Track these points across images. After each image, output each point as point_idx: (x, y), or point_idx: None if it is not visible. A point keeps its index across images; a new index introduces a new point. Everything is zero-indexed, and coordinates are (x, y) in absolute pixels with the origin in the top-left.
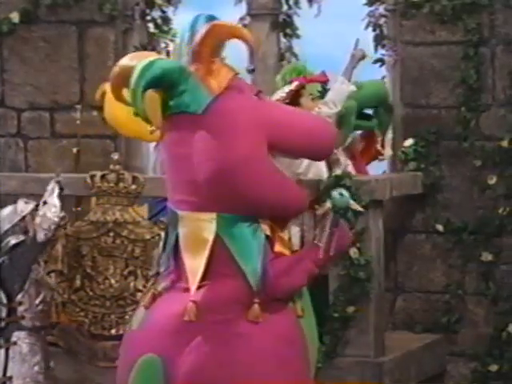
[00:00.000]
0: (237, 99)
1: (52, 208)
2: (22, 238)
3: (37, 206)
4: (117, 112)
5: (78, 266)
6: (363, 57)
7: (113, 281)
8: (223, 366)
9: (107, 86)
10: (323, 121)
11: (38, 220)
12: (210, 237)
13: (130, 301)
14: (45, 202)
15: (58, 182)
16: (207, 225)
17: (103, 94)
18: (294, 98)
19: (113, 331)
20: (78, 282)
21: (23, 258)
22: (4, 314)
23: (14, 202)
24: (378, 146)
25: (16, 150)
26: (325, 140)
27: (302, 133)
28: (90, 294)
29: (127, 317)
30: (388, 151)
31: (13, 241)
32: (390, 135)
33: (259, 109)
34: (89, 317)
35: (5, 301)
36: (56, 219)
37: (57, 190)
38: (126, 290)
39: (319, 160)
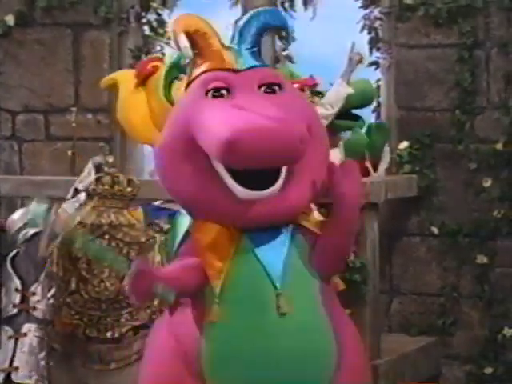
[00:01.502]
0: None
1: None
2: (40, 228)
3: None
4: (131, 115)
5: (72, 269)
6: (361, 60)
7: (108, 284)
8: None
9: (120, 77)
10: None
11: (60, 211)
12: None
13: (125, 304)
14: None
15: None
16: None
17: (114, 85)
18: None
19: (108, 334)
20: (73, 285)
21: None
22: (18, 301)
23: (9, 204)
24: (367, 164)
25: (11, 152)
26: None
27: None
28: (86, 296)
29: (123, 319)
30: (381, 172)
31: (31, 231)
32: (387, 158)
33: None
34: (84, 320)
35: (20, 287)
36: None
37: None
38: (122, 293)
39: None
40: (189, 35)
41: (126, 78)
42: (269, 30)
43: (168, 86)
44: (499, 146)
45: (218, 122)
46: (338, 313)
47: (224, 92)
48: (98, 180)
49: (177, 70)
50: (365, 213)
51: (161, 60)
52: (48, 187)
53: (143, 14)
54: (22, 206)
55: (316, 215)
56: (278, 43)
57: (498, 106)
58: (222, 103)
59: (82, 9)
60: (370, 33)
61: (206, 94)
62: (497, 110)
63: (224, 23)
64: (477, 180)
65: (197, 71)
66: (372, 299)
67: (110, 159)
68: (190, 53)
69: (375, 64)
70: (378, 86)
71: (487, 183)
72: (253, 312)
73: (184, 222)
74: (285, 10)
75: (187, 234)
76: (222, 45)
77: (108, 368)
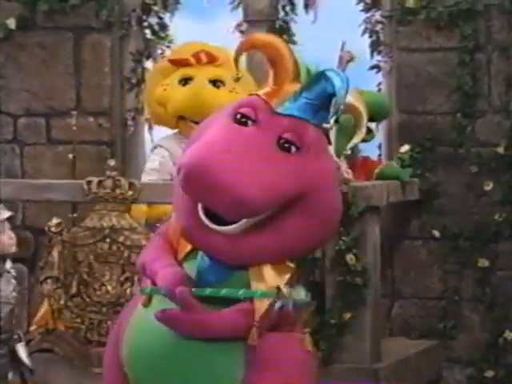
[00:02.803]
0: None
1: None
2: None
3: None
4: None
5: (74, 273)
6: (351, 58)
7: (109, 287)
8: None
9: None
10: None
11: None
12: None
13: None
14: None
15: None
16: None
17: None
18: None
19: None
20: (74, 289)
21: None
22: None
23: (10, 208)
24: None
25: (12, 156)
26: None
27: None
28: (87, 300)
29: None
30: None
31: None
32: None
33: None
34: (85, 323)
35: None
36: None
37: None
38: (123, 297)
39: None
40: (267, 51)
41: None
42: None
43: None
44: (500, 150)
45: (194, 145)
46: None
47: (249, 122)
48: (99, 183)
49: None
50: (366, 216)
51: None
52: (49, 191)
53: (144, 17)
54: (24, 209)
55: (272, 277)
56: None
57: (499, 109)
58: (224, 129)
59: (83, 12)
60: (371, 36)
61: (235, 115)
62: (498, 114)
63: (225, 27)
64: (478, 183)
65: (258, 90)
66: (373, 302)
67: (112, 163)
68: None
69: (376, 67)
70: (380, 90)
71: (488, 186)
72: (167, 305)
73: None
74: (286, 13)
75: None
76: (295, 78)
77: None
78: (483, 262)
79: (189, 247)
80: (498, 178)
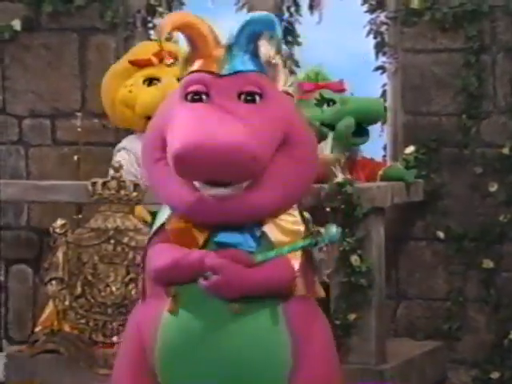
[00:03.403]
0: None
1: None
2: None
3: None
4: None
5: (78, 274)
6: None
7: (114, 288)
8: None
9: None
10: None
11: None
12: None
13: (131, 308)
14: None
15: None
16: None
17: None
18: None
19: (114, 339)
20: (78, 290)
21: None
22: None
23: (15, 209)
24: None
25: (17, 157)
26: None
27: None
28: (91, 301)
29: None
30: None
31: None
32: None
33: None
34: (90, 324)
35: None
36: None
37: None
38: (128, 298)
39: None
40: (184, 30)
41: None
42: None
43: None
44: (505, 151)
45: (176, 133)
46: (303, 324)
47: (204, 97)
48: (104, 185)
49: None
50: (371, 217)
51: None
52: (54, 192)
53: (149, 18)
54: (29, 210)
55: (291, 220)
56: (284, 47)
57: (504, 110)
58: (194, 109)
59: (88, 14)
60: (376, 37)
61: (186, 96)
62: (503, 115)
63: (229, 28)
64: (483, 184)
65: (188, 70)
66: (378, 303)
67: (116, 164)
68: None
69: (381, 69)
70: (385, 91)
71: (493, 188)
72: (203, 306)
73: (165, 213)
74: (290, 14)
75: (162, 225)
76: (217, 43)
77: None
78: (488, 263)
79: (200, 243)
80: (502, 179)
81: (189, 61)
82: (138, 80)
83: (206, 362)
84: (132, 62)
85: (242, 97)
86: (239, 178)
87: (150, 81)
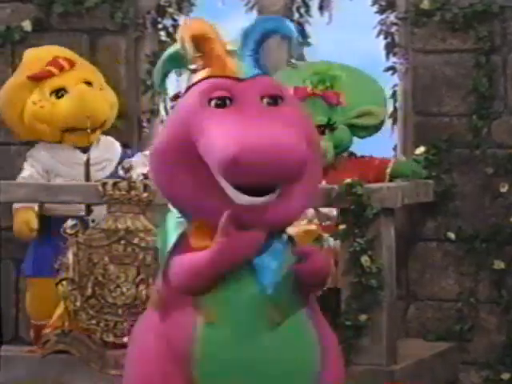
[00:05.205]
0: None
1: None
2: None
3: None
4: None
5: (89, 274)
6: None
7: (124, 289)
8: None
9: None
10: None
11: None
12: None
13: (141, 309)
14: None
15: None
16: None
17: None
18: None
19: (125, 339)
20: (89, 290)
21: None
22: None
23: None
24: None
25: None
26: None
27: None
28: (102, 301)
29: None
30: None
31: None
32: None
33: None
34: (101, 325)
35: None
36: None
37: None
38: (138, 298)
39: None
40: (194, 39)
41: None
42: (273, 37)
43: (164, 77)
44: None
45: (224, 137)
46: (321, 324)
47: (227, 102)
48: (114, 185)
49: (175, 62)
50: (381, 218)
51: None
52: (65, 193)
53: (159, 19)
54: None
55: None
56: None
57: None
58: (226, 114)
59: (98, 14)
60: (386, 38)
61: (209, 102)
62: None
63: (239, 29)
64: (494, 185)
65: (198, 76)
66: (388, 304)
67: (127, 165)
68: (192, 53)
69: (392, 69)
70: (395, 92)
71: (504, 188)
72: (243, 318)
73: (175, 222)
74: (300, 15)
75: (182, 236)
76: (227, 50)
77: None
78: (499, 264)
79: None
80: None
81: (197, 68)
82: (45, 94)
83: (249, 371)
84: (32, 78)
85: (265, 100)
86: (288, 182)
87: (57, 92)
